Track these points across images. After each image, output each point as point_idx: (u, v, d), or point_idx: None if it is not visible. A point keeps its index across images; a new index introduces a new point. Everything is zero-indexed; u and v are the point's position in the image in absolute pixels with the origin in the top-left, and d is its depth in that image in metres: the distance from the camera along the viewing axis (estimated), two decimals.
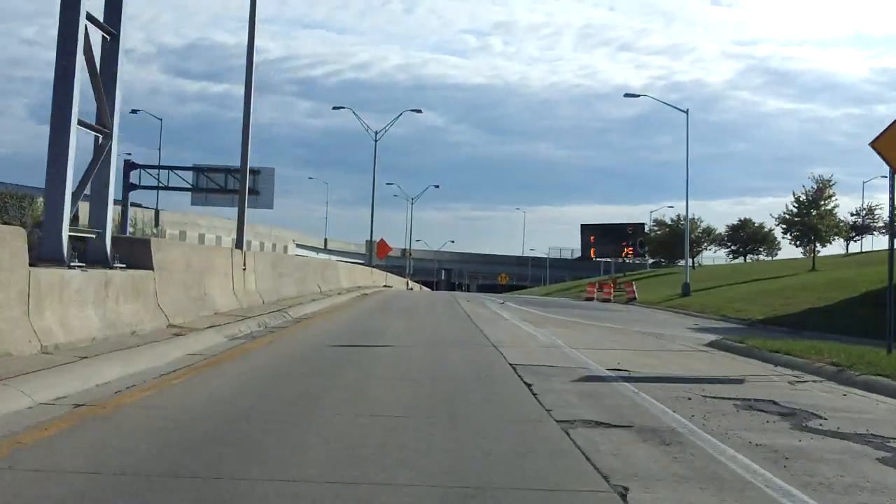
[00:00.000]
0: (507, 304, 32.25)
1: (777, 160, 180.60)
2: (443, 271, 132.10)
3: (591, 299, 47.40)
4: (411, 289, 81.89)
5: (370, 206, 58.31)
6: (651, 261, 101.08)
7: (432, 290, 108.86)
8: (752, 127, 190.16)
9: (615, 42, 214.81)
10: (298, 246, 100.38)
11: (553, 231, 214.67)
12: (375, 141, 55.81)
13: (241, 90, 22.94)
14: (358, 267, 49.98)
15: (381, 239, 58.33)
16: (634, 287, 46.87)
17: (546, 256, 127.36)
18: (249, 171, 58.89)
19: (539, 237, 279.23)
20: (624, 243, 53.43)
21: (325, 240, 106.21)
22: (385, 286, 56.83)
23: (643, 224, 59.41)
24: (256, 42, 22.56)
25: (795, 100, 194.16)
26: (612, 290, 48.08)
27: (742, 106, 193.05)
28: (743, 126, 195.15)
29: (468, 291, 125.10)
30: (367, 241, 56.50)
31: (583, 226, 54.93)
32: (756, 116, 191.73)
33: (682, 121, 43.79)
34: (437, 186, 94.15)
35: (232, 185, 57.02)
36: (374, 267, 54.98)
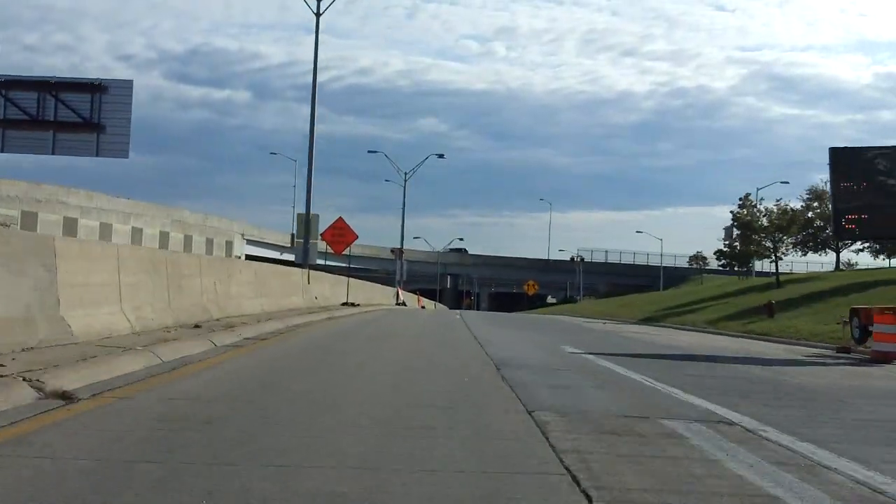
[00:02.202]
0: None
1: (779, 166, 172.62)
2: (448, 277, 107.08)
3: (884, 360, 16.61)
4: (402, 303, 55.31)
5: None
6: (716, 265, 73.95)
7: (437, 302, 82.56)
8: (754, 133, 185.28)
9: (618, 47, 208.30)
10: (251, 243, 73.80)
11: (555, 237, 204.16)
12: (318, 14, 29.37)
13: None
14: (240, 266, 23.07)
15: (340, 218, 31.53)
16: None
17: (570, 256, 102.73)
18: (85, 84, 32.05)
19: (542, 243, 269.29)
20: None
21: (293, 235, 79.37)
22: (347, 304, 30.28)
23: None
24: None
25: (799, 105, 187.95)
26: None
27: (746, 112, 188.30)
28: (746, 132, 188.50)
29: (478, 308, 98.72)
30: (298, 214, 30.09)
31: (833, 149, 21.83)
32: (760, 122, 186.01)
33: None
34: (440, 156, 69.13)
35: (52, 112, 31.02)
36: (312, 268, 28.22)
